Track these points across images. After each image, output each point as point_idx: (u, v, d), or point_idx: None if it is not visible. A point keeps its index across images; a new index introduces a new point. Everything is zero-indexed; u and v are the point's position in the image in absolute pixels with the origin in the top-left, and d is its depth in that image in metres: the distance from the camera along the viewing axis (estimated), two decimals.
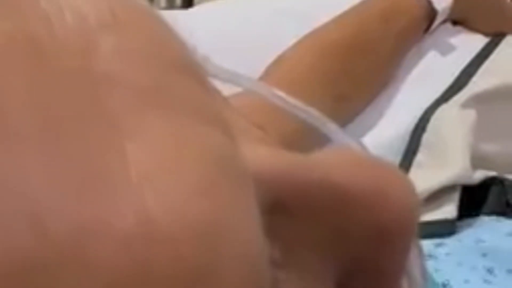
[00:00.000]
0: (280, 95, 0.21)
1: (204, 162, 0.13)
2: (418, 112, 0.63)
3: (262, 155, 0.17)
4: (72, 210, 0.12)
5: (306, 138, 0.20)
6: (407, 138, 0.62)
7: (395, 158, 0.60)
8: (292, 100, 0.21)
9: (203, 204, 0.13)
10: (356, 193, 0.17)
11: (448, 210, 0.55)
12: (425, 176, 0.57)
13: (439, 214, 0.55)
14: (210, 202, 0.13)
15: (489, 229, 0.53)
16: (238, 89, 0.21)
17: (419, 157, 0.60)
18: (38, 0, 0.13)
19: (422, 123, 0.62)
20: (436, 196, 0.56)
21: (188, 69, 0.15)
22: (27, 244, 0.11)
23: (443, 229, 0.54)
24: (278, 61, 0.65)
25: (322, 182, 0.17)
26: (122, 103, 0.13)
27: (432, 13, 0.69)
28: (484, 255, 0.50)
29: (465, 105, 0.62)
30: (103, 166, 0.12)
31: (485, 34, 0.73)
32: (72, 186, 0.12)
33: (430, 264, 0.49)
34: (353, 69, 0.65)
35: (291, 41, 0.66)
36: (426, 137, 0.60)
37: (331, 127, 0.20)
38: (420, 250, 0.20)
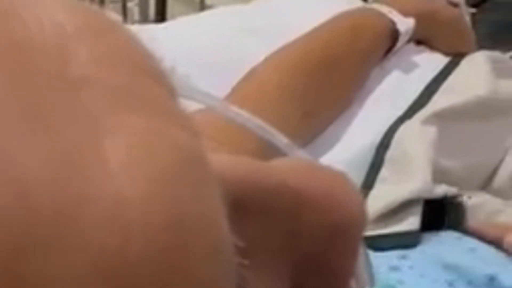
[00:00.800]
0: (237, 112, 0.22)
1: (174, 156, 0.14)
2: (382, 129, 0.63)
3: (224, 160, 0.18)
4: (59, 191, 0.12)
5: (267, 158, 0.21)
6: (372, 153, 0.62)
7: (360, 173, 0.61)
8: (248, 116, 0.22)
9: (171, 191, 0.14)
10: (309, 196, 0.18)
11: (411, 222, 0.55)
12: (389, 190, 0.58)
13: (403, 226, 0.55)
14: (178, 189, 0.14)
15: (450, 244, 0.53)
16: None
17: (384, 172, 0.60)
18: (17, 10, 0.14)
19: (386, 140, 0.62)
20: (400, 210, 0.56)
21: (157, 77, 0.16)
22: (21, 221, 0.12)
23: (407, 241, 0.54)
24: (248, 77, 0.65)
25: (278, 185, 0.18)
26: (98, 102, 0.14)
27: (395, 33, 0.70)
28: (445, 268, 0.50)
29: (427, 122, 0.62)
30: (84, 154, 0.13)
31: (446, 54, 0.74)
32: (59, 170, 0.13)
33: (394, 276, 0.50)
34: (319, 85, 0.65)
35: (258, 58, 0.66)
36: (390, 153, 0.61)
37: (285, 142, 0.22)
38: (367, 256, 0.21)
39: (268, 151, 0.22)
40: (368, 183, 0.59)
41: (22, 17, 0.14)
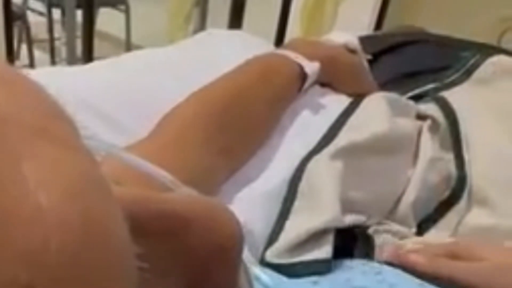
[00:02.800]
0: (129, 156, 0.24)
1: (80, 177, 0.16)
2: (295, 163, 0.62)
3: (124, 190, 0.20)
4: None
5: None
6: (286, 186, 0.60)
7: (276, 205, 0.59)
8: (138, 159, 0.24)
9: (80, 201, 0.16)
10: (193, 219, 0.21)
11: (324, 250, 0.54)
12: (302, 221, 0.56)
13: (316, 254, 0.54)
14: (85, 200, 0.16)
15: (359, 270, 0.52)
16: None
17: (297, 203, 0.58)
18: None
19: (298, 173, 0.60)
20: (313, 239, 0.54)
21: (63, 118, 0.17)
22: None
23: (320, 268, 0.52)
24: (169, 114, 0.62)
25: (169, 211, 0.21)
26: (17, 135, 0.15)
27: (303, 76, 0.70)
28: None
29: (333, 157, 0.61)
30: (7, 175, 0.15)
31: (348, 94, 0.74)
32: None
33: None
34: (234, 124, 0.63)
35: (176, 96, 0.63)
36: (301, 186, 0.59)
37: (171, 179, 0.24)
38: (248, 273, 0.23)
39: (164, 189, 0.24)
40: (284, 215, 0.58)
41: None
